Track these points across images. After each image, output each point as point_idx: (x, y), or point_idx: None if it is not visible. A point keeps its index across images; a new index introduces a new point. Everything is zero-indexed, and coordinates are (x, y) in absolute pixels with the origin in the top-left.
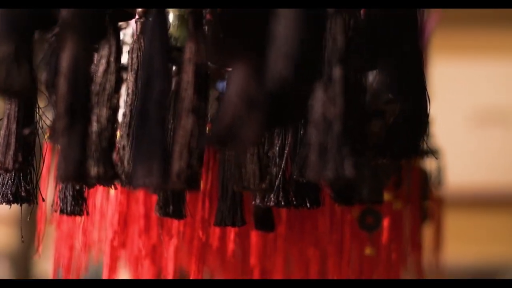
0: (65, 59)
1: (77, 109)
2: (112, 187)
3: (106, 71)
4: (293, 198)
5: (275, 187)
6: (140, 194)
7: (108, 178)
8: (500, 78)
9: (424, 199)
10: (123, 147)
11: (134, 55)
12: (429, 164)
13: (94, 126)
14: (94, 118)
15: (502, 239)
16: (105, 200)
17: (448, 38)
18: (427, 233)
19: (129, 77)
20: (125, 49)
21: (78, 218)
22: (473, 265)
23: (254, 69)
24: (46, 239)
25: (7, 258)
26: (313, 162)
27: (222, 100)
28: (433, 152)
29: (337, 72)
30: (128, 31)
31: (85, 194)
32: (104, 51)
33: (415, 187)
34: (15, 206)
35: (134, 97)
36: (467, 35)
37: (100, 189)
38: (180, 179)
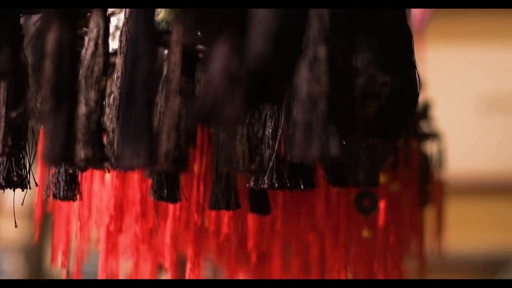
0: (50, 42)
1: (63, 91)
2: (106, 170)
3: (94, 53)
4: (287, 180)
5: (269, 169)
6: (136, 179)
7: (97, 160)
8: (506, 65)
9: (424, 182)
10: (113, 130)
11: (123, 38)
12: (430, 147)
13: (83, 109)
14: (83, 100)
15: (507, 226)
16: (101, 185)
17: (455, 24)
18: (429, 217)
19: (118, 60)
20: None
21: (73, 203)
22: (480, 252)
23: (236, 47)
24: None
25: (21, 251)
26: (298, 141)
27: (205, 78)
28: (433, 135)
29: (322, 50)
30: (122, 16)
31: (78, 179)
32: (92, 34)
33: (413, 170)
34: (28, 200)
35: (123, 79)
36: (474, 21)
37: (97, 174)
38: (167, 160)
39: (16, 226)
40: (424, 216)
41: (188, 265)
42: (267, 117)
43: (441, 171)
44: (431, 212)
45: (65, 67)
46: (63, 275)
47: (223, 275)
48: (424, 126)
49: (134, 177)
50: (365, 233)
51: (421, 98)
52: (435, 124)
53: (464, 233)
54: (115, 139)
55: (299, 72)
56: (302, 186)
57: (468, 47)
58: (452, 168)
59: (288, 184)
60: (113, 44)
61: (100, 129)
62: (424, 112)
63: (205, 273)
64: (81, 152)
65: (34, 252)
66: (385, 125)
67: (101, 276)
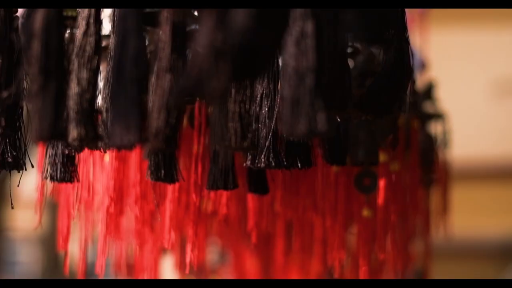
0: (38, 20)
1: (51, 69)
2: (101, 150)
3: (85, 33)
4: (284, 159)
5: (266, 148)
6: (135, 160)
7: (90, 139)
8: None
9: (428, 163)
10: (107, 110)
11: (116, 17)
12: (435, 127)
13: (75, 88)
14: (75, 80)
15: None
16: (100, 167)
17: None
18: (435, 198)
19: (111, 39)
20: None
21: (75, 186)
22: (489, 238)
23: (220, 21)
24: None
25: (38, 241)
26: (286, 117)
27: (190, 53)
28: (437, 116)
29: (309, 25)
30: None
31: (76, 160)
32: (84, 13)
33: (414, 149)
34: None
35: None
36: None
37: (96, 156)
38: (158, 138)
39: (12, 208)
40: (429, 197)
41: (188, 246)
42: (263, 96)
43: (446, 152)
44: (436, 193)
45: (52, 45)
46: (65, 260)
47: (230, 259)
48: (428, 107)
49: (134, 158)
50: (365, 212)
51: (425, 78)
52: (439, 105)
53: (472, 219)
54: (109, 118)
55: (286, 47)
56: (299, 164)
57: (483, 30)
58: (462, 153)
59: (285, 163)
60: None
61: (93, 108)
62: (428, 93)
63: (212, 257)
64: (74, 131)
65: (51, 242)
66: (378, 100)
67: (100, 258)
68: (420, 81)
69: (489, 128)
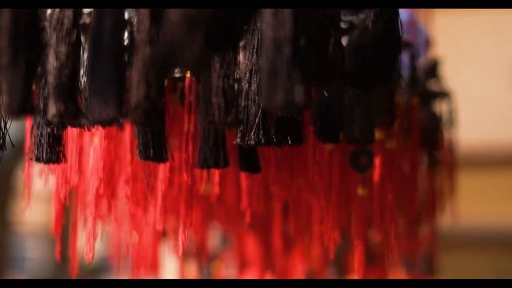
0: None
1: (21, 43)
2: (85, 128)
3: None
4: (274, 136)
5: (255, 125)
6: (126, 140)
7: (70, 115)
8: None
9: (432, 142)
10: (87, 85)
11: None
12: (439, 106)
13: (54, 63)
14: (53, 54)
15: None
16: (90, 147)
17: None
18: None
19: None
20: None
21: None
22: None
23: None
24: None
25: (47, 236)
26: (264, 88)
27: (164, 22)
28: (442, 94)
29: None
30: None
31: (62, 141)
32: None
33: (414, 127)
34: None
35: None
36: None
37: (86, 137)
38: (137, 112)
39: None
40: (434, 178)
41: (180, 227)
42: (253, 73)
43: (452, 131)
44: (442, 174)
45: (22, 18)
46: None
47: (232, 243)
48: (433, 85)
49: (125, 138)
50: (361, 191)
51: (430, 56)
52: (445, 83)
53: (479, 207)
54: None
55: (264, 17)
56: (289, 141)
57: (496, 13)
58: (470, 138)
59: (275, 140)
60: None
61: (74, 83)
62: (433, 70)
63: (214, 242)
64: (53, 107)
65: (61, 236)
66: (365, 73)
67: (89, 242)
68: (425, 58)
69: (500, 114)
